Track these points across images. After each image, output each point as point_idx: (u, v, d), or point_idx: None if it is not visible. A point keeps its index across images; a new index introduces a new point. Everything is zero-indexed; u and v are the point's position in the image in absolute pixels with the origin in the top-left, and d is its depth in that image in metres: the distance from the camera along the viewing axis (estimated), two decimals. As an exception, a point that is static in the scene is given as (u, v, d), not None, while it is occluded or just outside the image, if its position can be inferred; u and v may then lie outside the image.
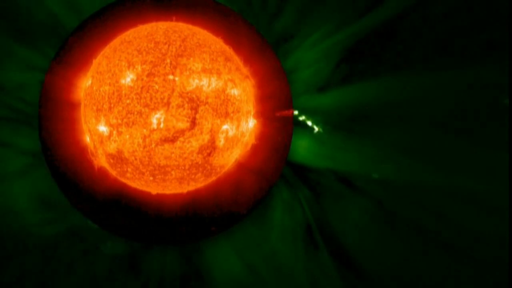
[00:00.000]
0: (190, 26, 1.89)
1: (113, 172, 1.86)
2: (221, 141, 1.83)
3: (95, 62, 1.85)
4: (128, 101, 1.77)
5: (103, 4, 1.95)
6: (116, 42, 1.86)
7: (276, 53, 1.95)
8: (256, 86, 1.92)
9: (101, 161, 1.85)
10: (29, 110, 2.03)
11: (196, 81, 1.79)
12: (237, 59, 1.91)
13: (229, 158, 1.89)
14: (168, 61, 1.79)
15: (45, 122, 1.84)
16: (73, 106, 1.86)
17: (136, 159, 1.79)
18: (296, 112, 2.10)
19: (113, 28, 1.88)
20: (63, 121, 1.85)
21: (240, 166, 1.90)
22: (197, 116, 1.78)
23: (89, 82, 1.84)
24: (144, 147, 1.78)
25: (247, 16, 2.05)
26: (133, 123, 1.76)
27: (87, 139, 1.85)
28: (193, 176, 1.85)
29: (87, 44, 1.87)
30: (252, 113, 1.91)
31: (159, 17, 1.90)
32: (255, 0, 2.10)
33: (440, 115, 2.08)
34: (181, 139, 1.78)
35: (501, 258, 2.03)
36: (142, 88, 1.77)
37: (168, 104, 1.76)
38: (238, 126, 1.86)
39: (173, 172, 1.81)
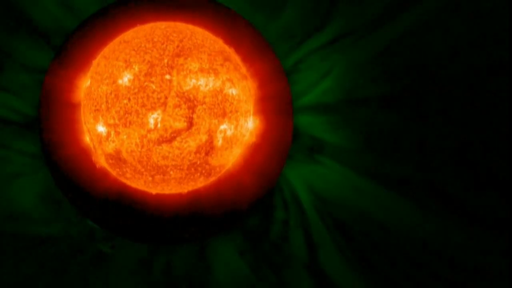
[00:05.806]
0: (189, 26, 1.89)
1: (113, 172, 1.86)
2: (219, 141, 1.82)
3: (94, 62, 1.86)
4: (125, 101, 1.77)
5: (103, 4, 1.95)
6: (115, 42, 1.86)
7: (276, 53, 1.94)
8: (256, 86, 1.91)
9: (101, 161, 1.85)
10: (29, 111, 2.04)
11: (194, 81, 1.79)
12: (236, 59, 1.90)
13: (229, 158, 1.89)
14: (166, 61, 1.79)
15: (45, 123, 1.84)
16: (73, 107, 1.86)
17: (134, 159, 1.79)
18: (296, 112, 2.09)
19: (113, 29, 1.88)
20: (63, 121, 1.85)
21: (240, 166, 1.90)
22: (194, 116, 1.77)
23: (88, 82, 1.85)
24: (142, 147, 1.78)
25: (247, 16, 2.04)
26: (130, 123, 1.76)
27: (87, 139, 1.86)
28: (192, 176, 1.85)
29: (87, 44, 1.87)
30: (252, 112, 1.91)
31: (159, 17, 1.90)
32: (255, 0, 2.10)
33: (441, 115, 2.07)
34: (179, 139, 1.78)
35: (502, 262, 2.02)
36: (139, 88, 1.77)
37: (165, 104, 1.76)
38: (236, 126, 1.85)
39: (171, 172, 1.81)
